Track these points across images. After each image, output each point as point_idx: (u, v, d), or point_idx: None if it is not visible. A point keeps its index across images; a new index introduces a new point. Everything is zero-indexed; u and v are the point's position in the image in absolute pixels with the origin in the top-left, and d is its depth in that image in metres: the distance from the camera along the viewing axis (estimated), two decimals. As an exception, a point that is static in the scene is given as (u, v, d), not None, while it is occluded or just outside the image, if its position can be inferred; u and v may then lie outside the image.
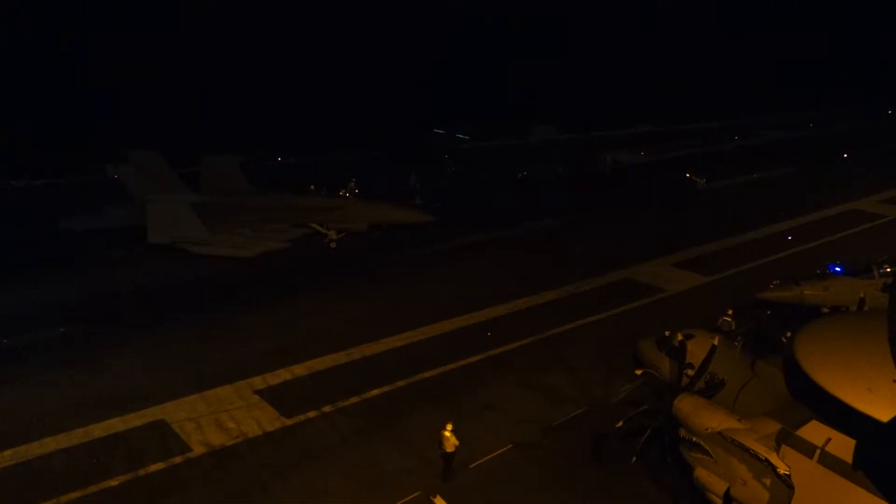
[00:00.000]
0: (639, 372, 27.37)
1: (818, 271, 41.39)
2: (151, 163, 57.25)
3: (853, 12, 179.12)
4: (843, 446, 19.24)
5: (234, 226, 55.44)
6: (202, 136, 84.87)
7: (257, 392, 33.51)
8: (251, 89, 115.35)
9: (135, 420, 30.95)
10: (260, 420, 31.08)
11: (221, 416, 31.42)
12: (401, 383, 34.22)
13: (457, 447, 26.83)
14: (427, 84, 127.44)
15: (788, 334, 22.49)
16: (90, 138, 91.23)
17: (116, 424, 30.58)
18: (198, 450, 28.81)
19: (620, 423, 26.31)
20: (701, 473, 23.04)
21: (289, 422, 30.93)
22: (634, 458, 25.59)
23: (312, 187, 61.07)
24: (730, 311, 37.36)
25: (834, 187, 78.20)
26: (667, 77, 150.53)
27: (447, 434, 26.70)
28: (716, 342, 25.67)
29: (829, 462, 19.59)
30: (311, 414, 31.51)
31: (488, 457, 28.22)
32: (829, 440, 19.69)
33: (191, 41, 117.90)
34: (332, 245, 57.46)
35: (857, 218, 66.23)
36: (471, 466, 27.69)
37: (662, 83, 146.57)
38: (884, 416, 16.92)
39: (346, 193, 60.87)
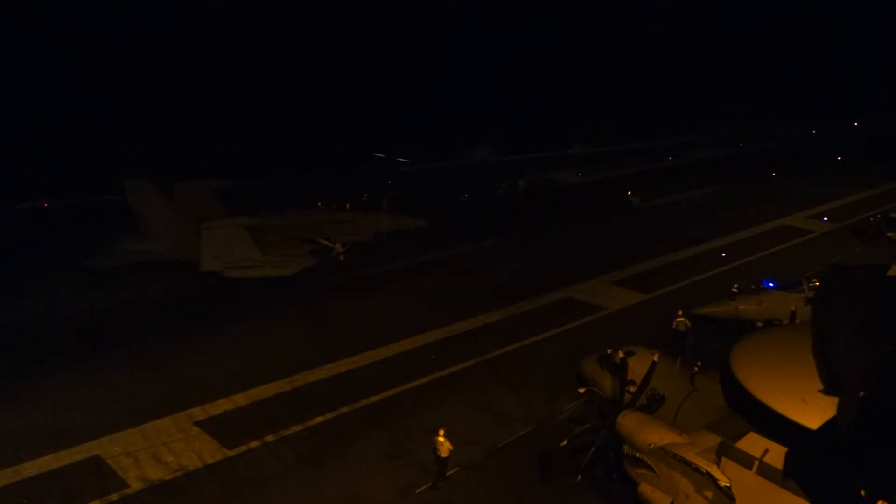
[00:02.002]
0: (582, 390, 27.57)
1: (752, 286, 42.65)
2: (148, 192, 55.30)
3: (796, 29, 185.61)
4: (780, 457, 19.70)
5: (282, 245, 55.68)
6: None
7: (197, 423, 32.62)
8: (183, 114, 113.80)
9: (68, 457, 29.77)
10: (200, 452, 30.25)
11: (160, 449, 30.48)
12: (345, 409, 33.76)
13: (451, 451, 27.39)
14: (365, 107, 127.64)
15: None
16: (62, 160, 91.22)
17: (49, 462, 29.37)
18: (135, 485, 27.83)
19: (565, 442, 26.47)
20: (645, 489, 23.32)
21: (230, 453, 30.17)
22: (580, 476, 25.77)
23: (319, 203, 62.53)
24: (680, 312, 38.88)
25: (763, 204, 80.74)
26: (603, 99, 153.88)
27: (441, 439, 27.29)
28: (655, 358, 26.09)
29: (768, 473, 20.04)
30: (254, 444, 30.81)
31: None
32: (766, 451, 20.14)
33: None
34: (340, 258, 58.43)
35: (787, 233, 68.46)
36: (417, 491, 27.43)
37: (600, 105, 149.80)
38: (815, 425, 17.41)
39: (349, 206, 62.91)
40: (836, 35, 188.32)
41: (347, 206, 63.01)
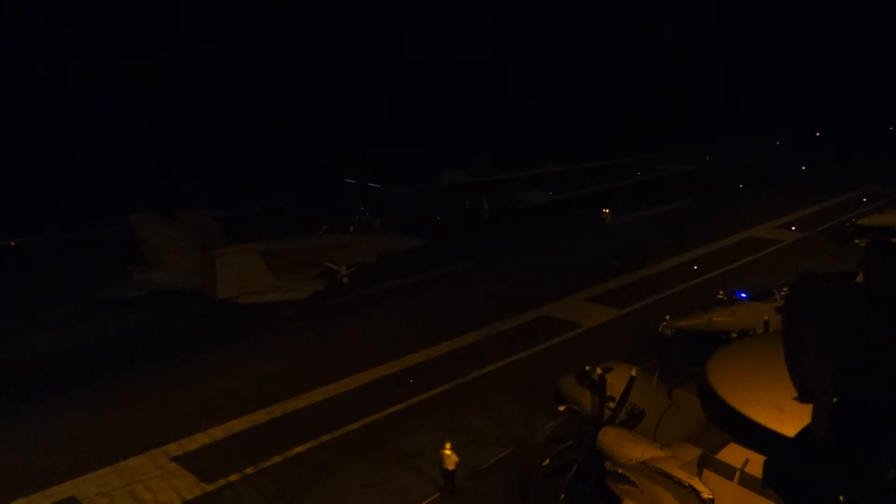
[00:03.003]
0: (561, 408, 27.54)
1: (725, 298, 43.06)
2: (155, 222, 56.16)
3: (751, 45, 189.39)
4: (760, 466, 19.80)
5: (290, 270, 56.59)
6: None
7: (174, 459, 32.06)
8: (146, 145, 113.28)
9: (42, 500, 29.07)
10: (178, 488, 29.68)
11: (136, 487, 29.87)
12: (325, 438, 33.40)
13: (457, 463, 27.97)
14: (334, 133, 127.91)
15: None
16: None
17: (21, 506, 28.66)
18: (112, 526, 27.28)
19: (547, 461, 26.36)
20: (628, 504, 23.25)
21: (209, 487, 29.66)
22: (563, 495, 25.64)
23: (325, 227, 64.60)
24: (667, 317, 39.40)
25: (731, 216, 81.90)
26: (569, 118, 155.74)
27: (447, 452, 27.91)
28: (633, 373, 26.13)
29: (749, 482, 20.10)
30: (233, 477, 30.32)
31: (418, 505, 27.80)
32: (747, 461, 20.22)
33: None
34: (345, 280, 59.49)
35: (757, 244, 69.40)
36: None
37: (566, 125, 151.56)
38: (792, 432, 17.54)
39: (353, 230, 65.44)
40: (801, 47, 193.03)
41: (351, 228, 65.12)
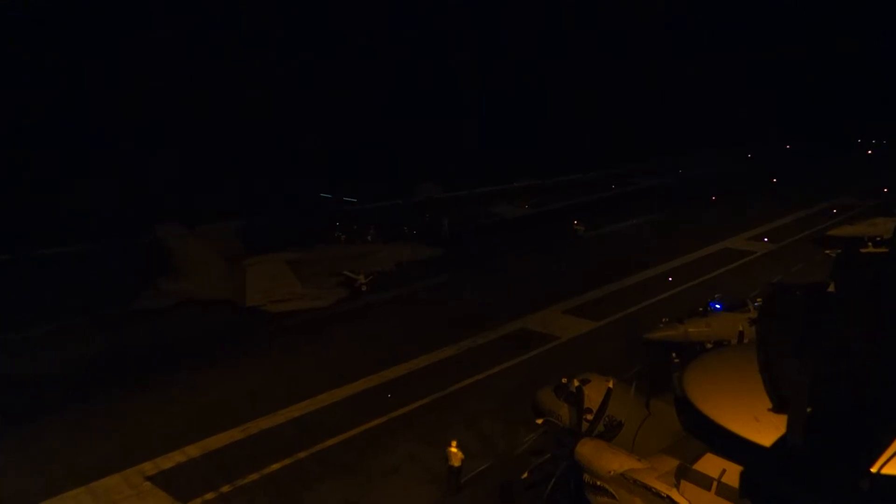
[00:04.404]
0: (540, 421, 27.62)
1: (700, 309, 43.47)
2: (181, 234, 57.53)
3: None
4: (737, 476, 19.93)
5: (312, 278, 58.18)
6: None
7: (149, 478, 31.62)
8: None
9: (12, 523, 28.60)
10: (153, 508, 29.34)
11: (110, 508, 29.46)
12: (302, 454, 33.16)
13: (462, 461, 29.08)
14: (309, 149, 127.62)
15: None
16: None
17: (-8, 530, 28.20)
18: (85, 548, 26.82)
19: (526, 474, 26.38)
20: (607, 516, 23.30)
21: (184, 507, 29.34)
22: (542, 508, 25.67)
23: (343, 237, 67.13)
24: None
25: (704, 229, 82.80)
26: (544, 132, 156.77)
27: (453, 450, 29.01)
28: (611, 385, 26.31)
29: (726, 492, 20.23)
30: (209, 496, 29.98)
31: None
32: (724, 471, 20.36)
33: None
34: (364, 288, 60.50)
35: (730, 255, 70.20)
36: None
37: (540, 139, 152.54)
38: (768, 442, 17.70)
39: (370, 238, 67.21)
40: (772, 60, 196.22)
41: (368, 237, 66.80)
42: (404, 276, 64.55)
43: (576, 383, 27.38)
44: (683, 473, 21.26)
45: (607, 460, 23.41)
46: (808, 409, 15.86)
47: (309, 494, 29.90)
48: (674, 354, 30.78)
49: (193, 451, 33.96)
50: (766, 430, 17.81)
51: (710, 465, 20.70)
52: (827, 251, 61.81)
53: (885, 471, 15.13)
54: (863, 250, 51.61)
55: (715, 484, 20.48)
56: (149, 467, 32.52)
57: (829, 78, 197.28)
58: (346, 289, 59.50)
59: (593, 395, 26.68)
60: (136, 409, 39.06)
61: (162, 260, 56.94)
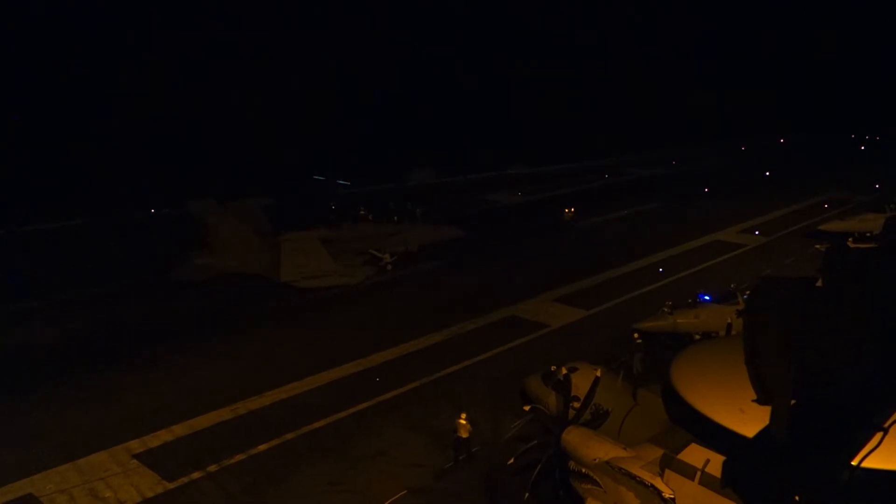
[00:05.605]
0: (527, 408, 27.72)
1: (689, 300, 43.69)
2: (216, 210, 58.53)
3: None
4: (720, 466, 20.13)
5: (340, 257, 59.34)
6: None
7: (135, 456, 31.70)
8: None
9: (-2, 497, 28.60)
10: (139, 486, 29.37)
11: (97, 485, 29.49)
12: (289, 436, 33.26)
13: (470, 432, 30.14)
14: (305, 130, 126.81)
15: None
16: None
17: (-24, 504, 28.17)
18: (70, 524, 26.88)
19: (512, 460, 26.55)
20: (591, 504, 23.51)
21: (171, 485, 29.38)
22: (527, 494, 25.83)
23: (370, 216, 67.63)
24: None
25: (696, 220, 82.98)
26: (540, 120, 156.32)
27: (462, 422, 30.12)
28: (598, 374, 26.42)
29: (710, 482, 20.42)
30: (196, 475, 30.07)
31: (383, 504, 27.83)
32: (708, 461, 20.54)
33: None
34: (389, 267, 61.98)
35: (721, 248, 70.42)
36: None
37: (536, 127, 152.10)
38: (751, 433, 17.87)
39: (396, 219, 67.90)
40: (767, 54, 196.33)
41: (395, 218, 67.45)
42: (396, 260, 64.52)
43: (563, 371, 27.49)
44: (668, 463, 21.43)
45: (593, 448, 23.55)
46: (792, 402, 15.99)
47: (294, 475, 29.98)
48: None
49: (181, 430, 34.05)
50: (750, 421, 17.96)
51: (695, 455, 20.87)
52: (817, 246, 62.04)
53: (864, 464, 15.30)
54: (851, 245, 51.88)
55: (699, 474, 20.66)
56: (136, 445, 32.59)
57: (824, 72, 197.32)
58: (372, 267, 60.52)
59: (581, 384, 26.78)
60: (122, 386, 39.16)
61: (195, 235, 58.21)
